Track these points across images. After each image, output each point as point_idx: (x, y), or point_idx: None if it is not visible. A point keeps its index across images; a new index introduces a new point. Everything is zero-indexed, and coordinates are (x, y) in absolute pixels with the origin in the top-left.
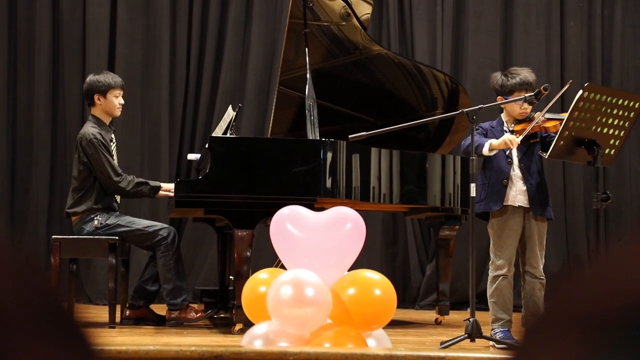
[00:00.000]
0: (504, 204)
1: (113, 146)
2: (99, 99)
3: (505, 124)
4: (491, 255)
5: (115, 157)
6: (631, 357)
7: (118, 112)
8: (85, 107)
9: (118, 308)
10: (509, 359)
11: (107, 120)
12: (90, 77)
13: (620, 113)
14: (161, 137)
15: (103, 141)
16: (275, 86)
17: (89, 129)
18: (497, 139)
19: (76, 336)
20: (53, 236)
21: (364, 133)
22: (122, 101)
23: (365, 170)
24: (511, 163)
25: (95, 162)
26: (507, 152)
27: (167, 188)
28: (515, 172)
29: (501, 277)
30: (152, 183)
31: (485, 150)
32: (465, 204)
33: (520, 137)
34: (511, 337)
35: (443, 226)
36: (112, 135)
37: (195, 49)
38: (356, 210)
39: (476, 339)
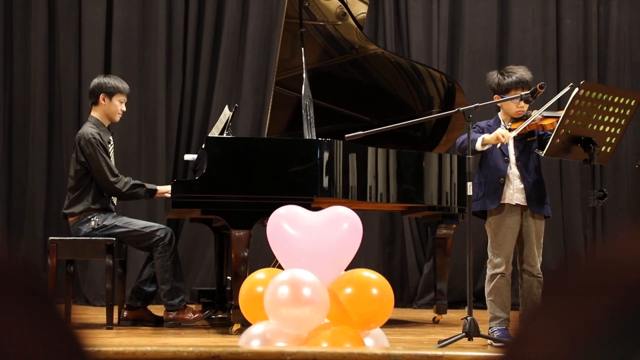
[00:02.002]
0: (502, 202)
1: (111, 148)
2: (104, 100)
3: (502, 123)
4: (489, 253)
5: (112, 158)
6: (626, 350)
7: (118, 118)
8: (81, 107)
9: (115, 309)
10: (505, 355)
11: (106, 123)
12: (100, 78)
13: (617, 111)
14: (158, 137)
15: (101, 141)
16: (272, 86)
17: (88, 128)
18: None
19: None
20: (50, 238)
21: (361, 132)
22: (125, 108)
23: (362, 170)
24: (508, 161)
25: (92, 162)
26: (498, 146)
27: (164, 190)
28: (513, 170)
29: (499, 276)
30: (149, 186)
31: (478, 146)
32: (463, 203)
33: (514, 133)
34: (509, 336)
35: (440, 225)
36: (111, 137)
37: (192, 49)
38: (353, 209)
39: (474, 338)
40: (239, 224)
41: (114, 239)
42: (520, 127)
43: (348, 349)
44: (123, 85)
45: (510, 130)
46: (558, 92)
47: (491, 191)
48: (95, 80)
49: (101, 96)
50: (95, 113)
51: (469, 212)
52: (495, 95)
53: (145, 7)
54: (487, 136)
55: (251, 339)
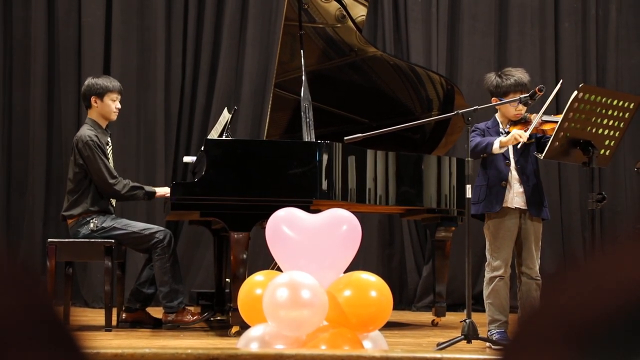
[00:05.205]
0: (502, 205)
1: (109, 149)
2: (95, 102)
3: (500, 125)
4: (487, 256)
5: (111, 160)
6: (624, 353)
7: (114, 116)
8: (81, 110)
9: (114, 311)
10: (503, 357)
11: (103, 123)
12: (89, 80)
13: (615, 114)
14: (157, 139)
15: (99, 143)
16: (271, 88)
17: (86, 131)
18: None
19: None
20: (49, 240)
21: (360, 135)
22: (119, 105)
23: (361, 172)
24: (509, 165)
25: (91, 164)
26: (519, 146)
27: (162, 193)
28: (512, 173)
29: (497, 278)
30: (147, 188)
31: (496, 148)
32: (462, 205)
33: (529, 132)
34: (508, 339)
35: (439, 227)
36: (109, 139)
37: (191, 51)
38: (352, 212)
39: (473, 341)
40: (238, 226)
41: (113, 241)
42: (531, 126)
43: (347, 351)
44: (112, 83)
45: (509, 133)
46: (557, 96)
47: (493, 194)
48: (85, 83)
49: (92, 99)
50: (91, 115)
51: (468, 214)
52: (494, 98)
53: (145, 9)
54: (503, 138)
55: (250, 341)
